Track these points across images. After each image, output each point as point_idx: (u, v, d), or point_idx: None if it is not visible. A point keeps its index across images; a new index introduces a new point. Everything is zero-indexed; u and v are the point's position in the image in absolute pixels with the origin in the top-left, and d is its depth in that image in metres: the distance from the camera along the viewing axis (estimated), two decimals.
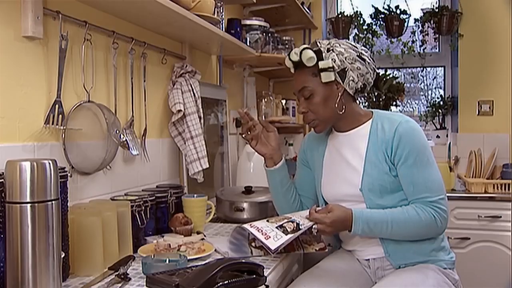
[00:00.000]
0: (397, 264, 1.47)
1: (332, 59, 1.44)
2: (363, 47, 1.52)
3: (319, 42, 1.49)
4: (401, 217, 1.40)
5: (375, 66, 1.52)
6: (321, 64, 1.44)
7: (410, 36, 3.41)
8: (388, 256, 1.47)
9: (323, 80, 1.45)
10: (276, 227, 1.36)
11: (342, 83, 1.46)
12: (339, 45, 1.47)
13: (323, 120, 1.51)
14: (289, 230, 1.35)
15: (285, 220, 1.39)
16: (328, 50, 1.46)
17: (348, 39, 3.12)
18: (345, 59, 1.45)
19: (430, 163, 1.45)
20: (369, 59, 1.49)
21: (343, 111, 1.48)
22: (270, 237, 1.33)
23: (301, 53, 1.46)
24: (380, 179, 1.44)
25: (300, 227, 1.36)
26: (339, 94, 1.47)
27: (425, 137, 1.49)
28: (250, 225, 1.40)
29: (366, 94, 2.90)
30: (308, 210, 1.41)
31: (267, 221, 1.42)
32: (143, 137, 1.76)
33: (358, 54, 1.47)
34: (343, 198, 1.49)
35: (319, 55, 1.45)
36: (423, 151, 1.44)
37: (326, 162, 1.59)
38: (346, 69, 1.45)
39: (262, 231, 1.36)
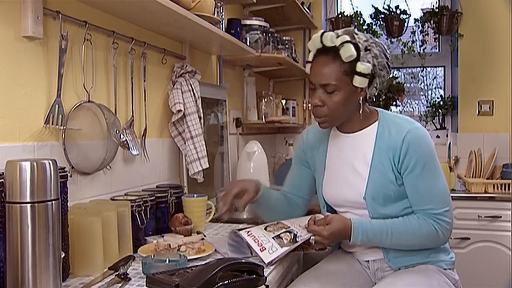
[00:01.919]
0: (396, 266, 1.46)
1: (368, 61, 1.36)
2: (388, 53, 1.45)
3: (356, 35, 1.38)
4: (402, 229, 1.39)
5: None
6: (361, 68, 1.35)
7: (410, 36, 3.41)
8: (388, 260, 1.46)
9: (355, 83, 1.37)
10: (273, 237, 1.36)
11: (367, 88, 1.41)
12: (375, 45, 1.40)
13: (335, 119, 1.45)
14: (285, 242, 1.35)
15: (283, 230, 1.39)
16: (366, 49, 1.37)
17: None
18: (377, 64, 1.39)
19: (437, 173, 1.41)
20: (390, 68, 1.45)
21: (361, 117, 1.44)
22: (265, 248, 1.33)
23: (341, 45, 1.34)
24: (385, 188, 1.41)
25: (297, 239, 1.36)
26: (361, 98, 1.42)
27: (433, 144, 1.45)
28: (247, 232, 1.39)
29: None
30: (307, 220, 1.40)
31: (265, 228, 1.41)
32: (143, 137, 1.76)
33: (387, 61, 1.42)
34: (345, 204, 1.48)
35: (357, 51, 1.35)
36: (431, 160, 1.40)
37: (328, 163, 1.55)
38: (375, 75, 1.40)
39: (258, 241, 1.36)
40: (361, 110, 1.44)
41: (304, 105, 3.47)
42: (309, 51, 1.45)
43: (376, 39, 1.43)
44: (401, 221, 1.40)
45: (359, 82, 1.37)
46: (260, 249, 1.33)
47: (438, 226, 1.39)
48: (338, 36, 1.36)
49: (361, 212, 1.45)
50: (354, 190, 1.45)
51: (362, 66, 1.35)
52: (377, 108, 1.53)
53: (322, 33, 1.37)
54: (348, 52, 1.34)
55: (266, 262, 1.30)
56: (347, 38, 1.35)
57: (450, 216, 1.41)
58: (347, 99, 1.40)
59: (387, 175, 1.41)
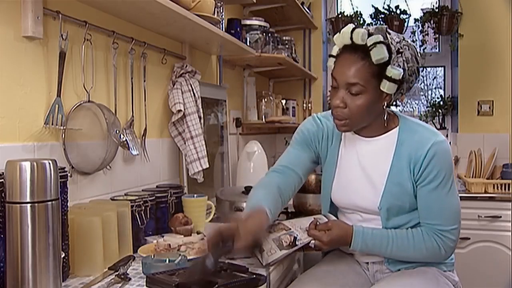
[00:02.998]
0: (396, 269, 1.45)
1: (398, 65, 1.28)
2: (419, 56, 1.36)
3: (389, 34, 1.29)
4: (403, 242, 1.37)
5: None
6: (392, 73, 1.26)
7: (410, 36, 3.41)
8: (388, 264, 1.45)
9: (383, 88, 1.28)
10: (273, 239, 1.36)
11: (393, 94, 1.31)
12: (408, 48, 1.31)
13: (356, 123, 1.36)
14: (284, 244, 1.34)
15: (283, 232, 1.38)
16: (398, 52, 1.28)
17: None
18: (408, 69, 1.30)
19: (452, 190, 1.37)
20: (419, 73, 1.37)
21: (385, 123, 1.38)
22: (264, 250, 1.33)
23: (373, 45, 1.25)
24: (401, 200, 1.37)
25: (297, 242, 1.35)
26: (385, 103, 1.34)
27: (453, 160, 1.40)
28: None
29: None
30: (309, 222, 1.39)
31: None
32: (143, 137, 1.76)
33: (417, 67, 1.34)
34: (357, 209, 1.46)
35: (389, 53, 1.26)
36: (449, 177, 1.35)
37: (341, 164, 1.47)
38: (404, 81, 1.30)
39: None
40: (384, 116, 1.37)
41: (304, 105, 3.48)
42: (334, 44, 1.36)
43: (410, 41, 1.34)
44: (404, 233, 1.38)
45: (388, 87, 1.28)
46: (259, 250, 1.33)
47: (442, 243, 1.36)
48: (370, 35, 1.27)
49: (371, 216, 1.42)
50: (367, 199, 1.41)
51: (394, 71, 1.26)
52: (397, 112, 1.45)
53: (353, 29, 1.27)
54: (380, 54, 1.25)
55: (264, 264, 1.30)
56: (380, 38, 1.26)
57: (457, 235, 1.38)
58: (371, 103, 1.31)
59: (404, 186, 1.36)
